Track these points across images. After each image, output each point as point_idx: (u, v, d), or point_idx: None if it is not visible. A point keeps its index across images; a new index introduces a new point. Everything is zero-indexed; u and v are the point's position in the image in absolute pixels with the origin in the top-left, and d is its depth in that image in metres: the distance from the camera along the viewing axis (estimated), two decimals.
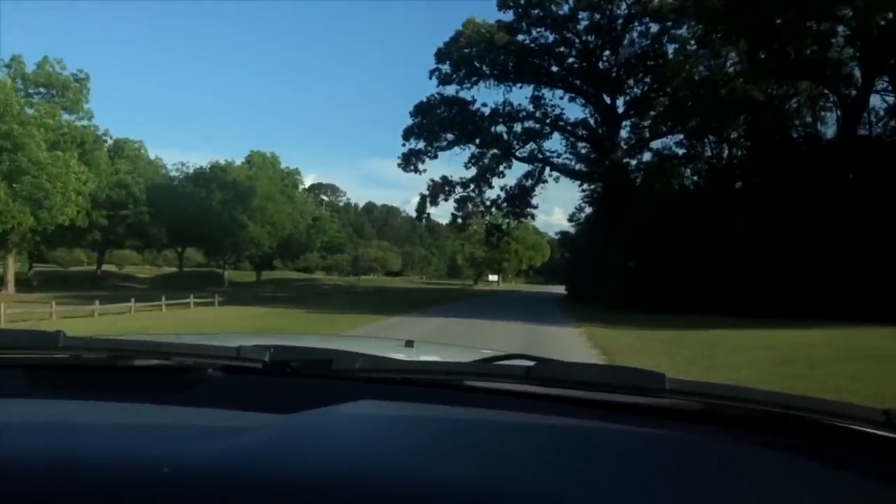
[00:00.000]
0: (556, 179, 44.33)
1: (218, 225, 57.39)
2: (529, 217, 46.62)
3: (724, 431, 1.00)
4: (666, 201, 33.43)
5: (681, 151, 40.48)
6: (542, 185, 44.72)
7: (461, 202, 41.55)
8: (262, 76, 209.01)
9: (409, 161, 40.80)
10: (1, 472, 0.76)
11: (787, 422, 0.98)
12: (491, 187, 42.13)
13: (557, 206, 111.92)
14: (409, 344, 1.95)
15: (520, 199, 45.04)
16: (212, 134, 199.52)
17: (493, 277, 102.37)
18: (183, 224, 55.01)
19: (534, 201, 46.16)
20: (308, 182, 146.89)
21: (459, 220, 44.86)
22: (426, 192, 40.91)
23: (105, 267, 76.36)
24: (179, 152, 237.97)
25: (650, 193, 35.78)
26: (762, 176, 31.25)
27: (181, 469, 0.75)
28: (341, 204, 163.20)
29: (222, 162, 63.32)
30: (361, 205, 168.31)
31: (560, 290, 75.20)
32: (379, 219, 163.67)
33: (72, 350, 1.18)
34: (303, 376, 1.14)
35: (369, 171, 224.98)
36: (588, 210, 47.17)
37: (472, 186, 41.10)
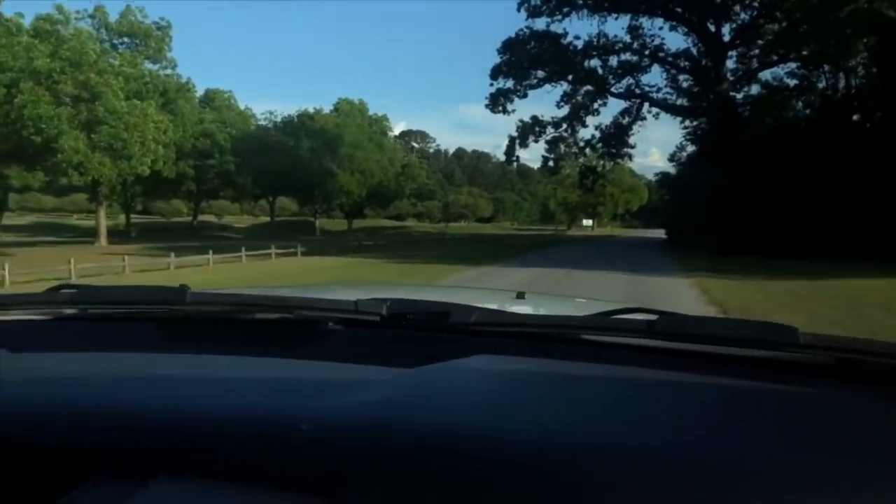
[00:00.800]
0: (656, 116, 41.39)
1: (307, 173, 57.09)
2: (626, 158, 43.76)
3: (865, 388, 0.95)
4: (781, 135, 30.27)
5: (793, 82, 36.89)
6: (639, 122, 41.75)
7: (553, 143, 39.15)
8: (350, 22, 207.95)
9: (497, 101, 38.63)
10: (149, 422, 0.83)
11: None
12: (585, 126, 39.52)
13: (655, 147, 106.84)
14: (521, 296, 1.89)
15: (616, 139, 42.26)
16: (301, 84, 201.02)
17: (587, 222, 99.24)
18: (272, 173, 54.88)
19: (631, 141, 43.22)
20: (398, 130, 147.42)
21: (551, 163, 42.52)
22: (515, 134, 38.70)
23: (204, 217, 78.42)
24: (270, 103, 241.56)
25: (762, 127, 32.64)
26: (887, 108, 27.72)
27: (317, 425, 0.80)
28: (431, 151, 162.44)
29: (311, 110, 62.73)
30: (451, 151, 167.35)
31: (659, 234, 72.04)
32: (469, 165, 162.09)
33: (198, 304, 1.20)
34: (420, 329, 1.15)
35: (460, 118, 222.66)
36: (690, 149, 44.05)
37: (564, 126, 38.63)
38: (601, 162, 44.86)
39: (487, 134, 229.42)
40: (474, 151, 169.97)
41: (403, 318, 1.16)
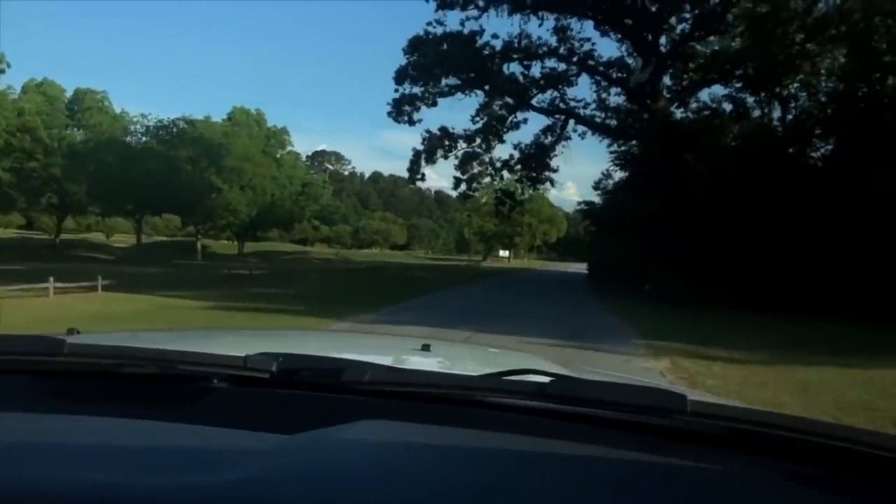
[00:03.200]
0: (582, 136, 36.10)
1: (184, 188, 49.49)
2: (548, 183, 38.38)
3: (748, 459, 0.96)
4: (717, 168, 25.33)
5: (728, 107, 32.42)
6: (563, 143, 36.50)
7: (465, 160, 33.25)
8: (269, 40, 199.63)
9: (402, 109, 32.62)
10: None
11: (821, 451, 0.94)
12: (502, 142, 33.76)
13: (571, 181, 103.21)
14: (426, 348, 1.87)
15: (536, 160, 36.80)
16: (211, 98, 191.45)
17: (503, 253, 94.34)
18: (139, 184, 46.89)
19: (553, 164, 37.96)
20: (311, 149, 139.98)
21: (463, 185, 36.69)
22: (421, 148, 32.77)
23: (89, 235, 69.52)
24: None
25: (702, 156, 27.83)
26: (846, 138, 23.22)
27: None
28: (346, 173, 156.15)
29: (195, 117, 55.27)
30: (368, 174, 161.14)
31: (578, 267, 67.65)
32: (386, 190, 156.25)
33: (75, 357, 1.14)
34: (311, 388, 1.11)
35: (381, 143, 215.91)
36: (619, 175, 39.06)
37: (478, 141, 32.85)
38: (519, 186, 39.41)
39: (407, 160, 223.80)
40: (391, 176, 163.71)
41: (295, 374, 1.11)
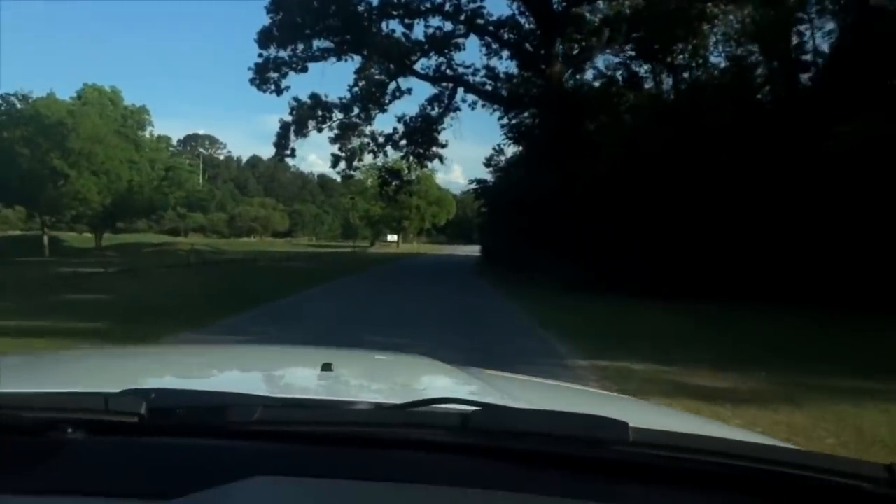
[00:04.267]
0: (473, 106, 32.75)
1: (19, 174, 42.81)
2: (437, 160, 34.85)
3: (694, 492, 0.89)
4: (620, 139, 22.50)
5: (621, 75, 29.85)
6: (452, 114, 33.06)
7: (342, 133, 29.10)
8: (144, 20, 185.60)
9: (266, 76, 28.15)
10: None
11: (771, 481, 0.87)
12: (383, 110, 29.82)
13: (458, 163, 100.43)
14: (328, 367, 1.56)
15: (423, 134, 33.22)
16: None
17: (391, 238, 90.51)
18: None
19: (442, 138, 34.47)
20: (182, 134, 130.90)
21: (343, 164, 32.58)
22: (289, 118, 28.34)
23: None
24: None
25: (611, 124, 25.05)
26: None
27: None
28: (221, 157, 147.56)
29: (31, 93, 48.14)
30: (246, 158, 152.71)
31: (470, 250, 64.78)
32: (265, 174, 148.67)
33: None
34: (188, 434, 0.94)
35: (262, 128, 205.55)
36: (512, 151, 36.13)
37: (356, 111, 28.82)
38: (405, 164, 35.71)
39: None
40: (271, 159, 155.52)
41: (169, 416, 0.94)
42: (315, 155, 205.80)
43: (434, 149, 34.64)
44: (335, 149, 31.72)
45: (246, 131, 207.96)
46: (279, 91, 28.46)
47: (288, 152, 28.78)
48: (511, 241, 32.09)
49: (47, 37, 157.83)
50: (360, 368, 2.02)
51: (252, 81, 28.34)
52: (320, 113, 28.22)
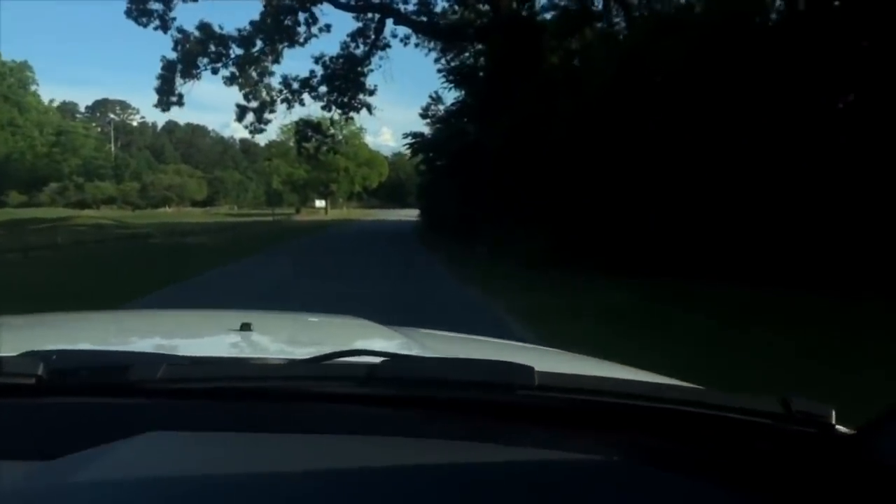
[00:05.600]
0: (405, 41, 27.43)
1: None
2: (365, 109, 29.42)
3: (598, 433, 0.88)
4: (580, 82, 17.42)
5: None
6: (381, 53, 27.69)
7: (242, 72, 23.20)
8: None
9: (145, 8, 22.05)
10: None
11: (671, 420, 0.88)
12: (293, 45, 24.05)
13: (387, 126, 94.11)
14: (247, 327, 1.52)
15: (346, 79, 27.80)
16: None
17: (319, 203, 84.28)
18: None
19: (368, 84, 29.09)
20: (90, 100, 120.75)
21: (251, 116, 26.82)
22: (175, 56, 22.28)
23: None
24: None
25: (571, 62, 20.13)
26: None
27: None
28: (135, 123, 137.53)
29: None
30: (161, 125, 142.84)
31: (407, 215, 59.63)
32: (183, 141, 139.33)
33: None
34: (89, 394, 0.91)
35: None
36: (452, 98, 30.93)
37: (259, 45, 23.00)
38: (327, 116, 30.14)
39: (214, 112, 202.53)
40: (188, 125, 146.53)
41: (70, 376, 0.91)
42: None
43: (361, 96, 29.29)
44: (240, 98, 26.04)
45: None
46: (165, 26, 22.46)
47: (174, 99, 22.78)
48: (456, 204, 27.08)
49: None
50: (281, 329, 1.95)
51: (128, 13, 22.23)
52: (213, 49, 22.31)
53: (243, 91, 23.70)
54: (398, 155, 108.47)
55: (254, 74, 23.38)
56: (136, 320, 2.18)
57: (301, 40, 26.10)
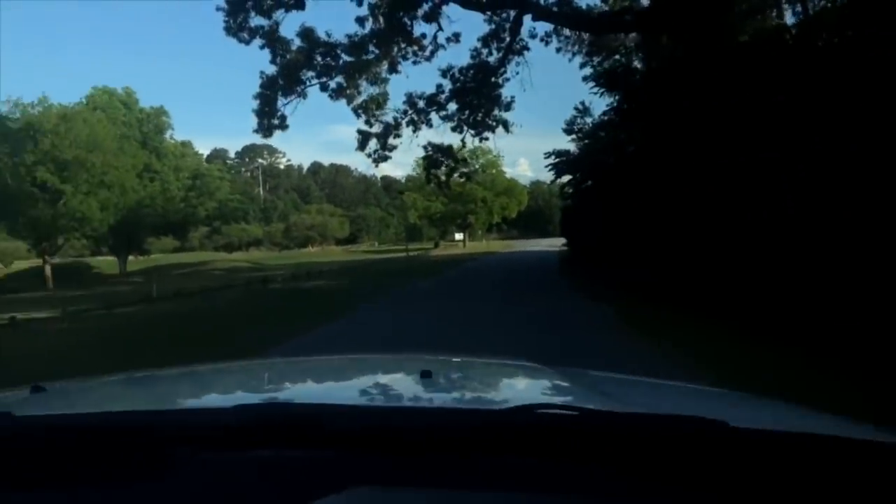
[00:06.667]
0: (546, 41, 23.22)
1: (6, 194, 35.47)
2: (500, 126, 25.34)
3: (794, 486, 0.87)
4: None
5: None
6: (518, 59, 23.62)
7: (348, 78, 19.59)
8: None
9: (243, 20, 19.19)
10: None
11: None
12: (416, 56, 20.11)
13: (523, 157, 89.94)
14: (427, 374, 1.57)
15: (478, 92, 23.89)
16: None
17: (458, 236, 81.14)
18: None
19: (505, 96, 25.04)
20: (239, 146, 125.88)
21: (374, 142, 23.44)
22: (273, 70, 18.93)
23: None
24: None
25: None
26: None
27: None
28: (282, 167, 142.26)
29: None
30: (306, 167, 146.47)
31: (549, 244, 54.97)
32: (327, 181, 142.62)
33: (28, 424, 1.00)
34: (286, 444, 0.93)
35: (324, 137, 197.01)
36: (606, 103, 26.34)
37: (372, 50, 19.38)
38: (459, 137, 26.25)
39: (358, 153, 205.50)
40: (332, 165, 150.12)
41: (276, 427, 0.93)
42: (390, 163, 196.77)
43: (496, 112, 25.23)
44: (361, 123, 22.70)
45: (306, 139, 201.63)
46: (271, 39, 19.37)
47: (276, 121, 19.56)
48: (612, 228, 22.22)
49: (92, 51, 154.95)
50: (460, 376, 1.97)
51: (228, 30, 19.41)
52: (320, 60, 18.93)
53: (361, 114, 20.21)
54: (536, 183, 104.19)
55: (363, 84, 19.80)
56: (323, 367, 2.20)
57: (427, 54, 22.57)
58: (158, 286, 35.23)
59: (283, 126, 19.37)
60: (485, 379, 1.94)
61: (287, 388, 1.77)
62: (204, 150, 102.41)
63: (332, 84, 19.15)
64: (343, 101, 19.98)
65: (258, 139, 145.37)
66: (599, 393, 1.49)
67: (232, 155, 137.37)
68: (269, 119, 19.23)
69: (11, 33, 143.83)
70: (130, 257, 53.12)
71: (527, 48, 23.32)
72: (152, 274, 50.67)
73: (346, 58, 18.72)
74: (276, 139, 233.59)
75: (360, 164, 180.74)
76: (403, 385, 1.68)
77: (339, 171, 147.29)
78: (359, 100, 19.92)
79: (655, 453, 0.86)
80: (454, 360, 2.32)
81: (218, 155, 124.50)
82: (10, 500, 0.89)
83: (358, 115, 20.09)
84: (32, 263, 50.93)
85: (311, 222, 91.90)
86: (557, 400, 1.16)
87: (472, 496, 0.84)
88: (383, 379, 1.84)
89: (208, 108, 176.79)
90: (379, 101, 20.23)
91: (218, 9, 18.77)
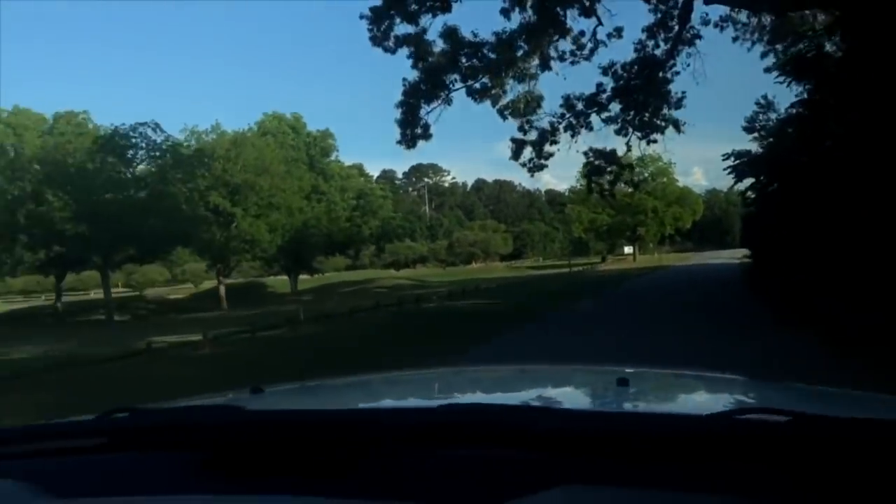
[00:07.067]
0: (721, 26, 20.50)
1: (178, 219, 37.10)
2: (670, 126, 22.75)
3: None
4: None
5: None
6: (689, 49, 21.07)
7: (493, 79, 17.75)
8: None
9: (387, 28, 18.18)
10: None
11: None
12: (577, 57, 17.99)
13: (697, 166, 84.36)
14: (624, 383, 1.55)
15: (645, 90, 21.55)
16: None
17: (628, 250, 77.35)
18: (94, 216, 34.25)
19: (674, 91, 22.49)
20: (406, 166, 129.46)
21: (528, 150, 21.75)
22: (416, 75, 17.61)
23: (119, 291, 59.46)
24: None
25: None
26: None
27: None
28: (446, 184, 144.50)
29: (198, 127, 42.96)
30: (470, 184, 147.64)
31: (728, 256, 50.61)
32: (491, 197, 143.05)
33: (258, 426, 1.08)
34: (488, 444, 0.96)
35: (489, 155, 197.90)
36: (795, 93, 22.95)
37: (521, 48, 17.54)
38: (628, 139, 23.81)
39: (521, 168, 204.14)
40: (496, 181, 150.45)
41: (482, 426, 0.97)
42: (548, 174, 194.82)
43: (665, 111, 22.69)
44: (516, 132, 21.07)
45: (470, 157, 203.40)
46: (416, 45, 18.22)
47: (419, 131, 18.27)
48: (806, 237, 18.91)
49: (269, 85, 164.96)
50: (658, 385, 1.96)
51: (373, 40, 18.45)
52: (465, 61, 17.44)
53: (507, 115, 18.48)
54: (712, 192, 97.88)
55: (510, 82, 18.01)
56: (513, 375, 2.23)
57: (586, 52, 20.61)
58: (320, 304, 35.58)
59: (426, 136, 18.09)
60: (685, 388, 1.89)
61: (486, 393, 1.80)
62: (374, 172, 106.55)
63: (477, 85, 17.60)
64: (501, 114, 18.36)
65: (424, 159, 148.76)
66: (809, 401, 1.46)
67: (399, 175, 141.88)
68: (411, 129, 17.99)
69: (186, 66, 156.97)
70: (304, 276, 54.82)
71: (698, 37, 20.71)
72: (322, 292, 52.04)
73: (491, 56, 17.12)
74: (441, 157, 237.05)
75: (524, 179, 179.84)
76: (601, 392, 1.68)
77: (503, 186, 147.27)
78: (505, 100, 18.20)
79: (878, 459, 0.82)
80: (652, 370, 2.27)
81: (386, 176, 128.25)
82: (238, 484, 0.95)
83: (504, 118, 18.42)
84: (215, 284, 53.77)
85: (473, 238, 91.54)
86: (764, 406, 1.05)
87: (677, 497, 0.83)
88: (581, 386, 1.86)
89: (377, 131, 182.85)
90: (528, 99, 18.38)
91: (361, 17, 17.86)
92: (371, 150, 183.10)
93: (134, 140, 37.43)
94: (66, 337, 23.20)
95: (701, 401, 1.71)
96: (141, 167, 39.70)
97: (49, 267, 40.99)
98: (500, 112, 17.98)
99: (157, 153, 38.89)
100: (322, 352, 12.31)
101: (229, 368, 10.82)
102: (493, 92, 17.62)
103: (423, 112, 17.76)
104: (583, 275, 46.71)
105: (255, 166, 40.23)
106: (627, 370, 1.81)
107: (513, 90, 18.10)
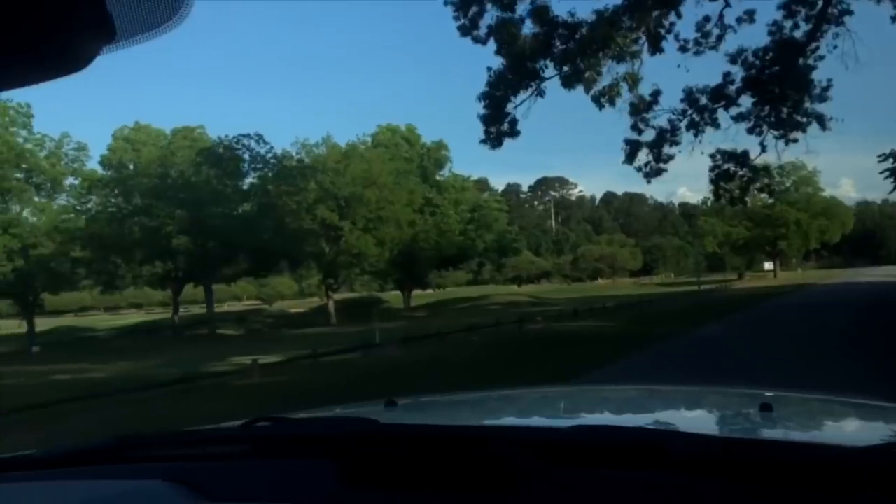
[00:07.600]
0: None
1: (286, 234, 36.70)
2: (814, 122, 19.37)
3: None
4: None
5: None
6: (834, 28, 17.76)
7: (587, 60, 15.00)
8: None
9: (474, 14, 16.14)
10: None
11: None
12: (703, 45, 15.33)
13: (847, 176, 77.20)
14: (767, 408, 1.48)
15: (781, 81, 18.41)
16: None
17: (768, 265, 71.24)
18: (206, 229, 34.26)
19: (817, 79, 19.23)
20: (532, 179, 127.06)
21: (646, 153, 19.08)
22: (501, 64, 15.35)
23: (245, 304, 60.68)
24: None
25: None
26: None
27: None
28: (573, 198, 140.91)
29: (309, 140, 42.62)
30: (599, 197, 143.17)
31: (884, 273, 45.02)
32: (621, 210, 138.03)
33: (393, 438, 1.10)
34: (619, 467, 0.94)
35: (622, 169, 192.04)
36: None
37: (626, 24, 14.91)
38: (762, 138, 20.51)
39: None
40: (626, 194, 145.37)
41: (608, 451, 0.96)
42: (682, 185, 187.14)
43: (806, 105, 19.39)
44: (631, 126, 18.47)
45: (599, 169, 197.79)
46: (505, 28, 15.99)
47: (505, 127, 15.94)
48: None
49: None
50: (803, 410, 1.93)
51: (461, 29, 16.46)
52: (559, 44, 15.01)
53: (603, 103, 15.86)
54: (864, 204, 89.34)
55: (609, 63, 15.35)
56: (645, 395, 2.20)
57: (713, 40, 17.84)
58: (426, 322, 33.99)
59: (513, 133, 15.78)
60: (833, 415, 1.85)
61: (615, 414, 1.79)
62: (498, 186, 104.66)
63: (567, 68, 15.14)
64: (596, 101, 15.86)
65: (551, 172, 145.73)
66: None
67: (525, 189, 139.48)
68: (497, 125, 15.77)
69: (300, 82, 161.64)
70: (419, 290, 53.66)
71: (848, 12, 17.37)
72: (436, 308, 50.58)
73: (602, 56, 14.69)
74: (569, 170, 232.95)
75: (657, 191, 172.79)
76: (742, 417, 1.66)
77: (633, 199, 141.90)
78: (600, 85, 15.59)
79: None
80: (796, 394, 2.18)
81: (511, 189, 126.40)
82: (370, 496, 0.97)
83: (601, 106, 15.80)
84: (338, 298, 53.46)
85: (599, 253, 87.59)
86: None
87: None
88: (720, 410, 1.83)
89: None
90: (632, 82, 15.71)
91: (446, 3, 15.89)
92: (496, 164, 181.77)
93: (238, 152, 37.37)
94: (153, 355, 22.59)
95: (851, 430, 1.62)
96: (247, 180, 39.76)
97: (165, 280, 41.72)
98: (596, 99, 15.43)
99: (262, 165, 38.80)
100: (387, 384, 10.43)
101: (250, 407, 9.02)
102: (587, 75, 15.06)
103: (510, 106, 15.53)
104: (714, 293, 42.50)
105: (363, 179, 39.26)
106: (767, 393, 1.70)
107: (611, 70, 15.51)
